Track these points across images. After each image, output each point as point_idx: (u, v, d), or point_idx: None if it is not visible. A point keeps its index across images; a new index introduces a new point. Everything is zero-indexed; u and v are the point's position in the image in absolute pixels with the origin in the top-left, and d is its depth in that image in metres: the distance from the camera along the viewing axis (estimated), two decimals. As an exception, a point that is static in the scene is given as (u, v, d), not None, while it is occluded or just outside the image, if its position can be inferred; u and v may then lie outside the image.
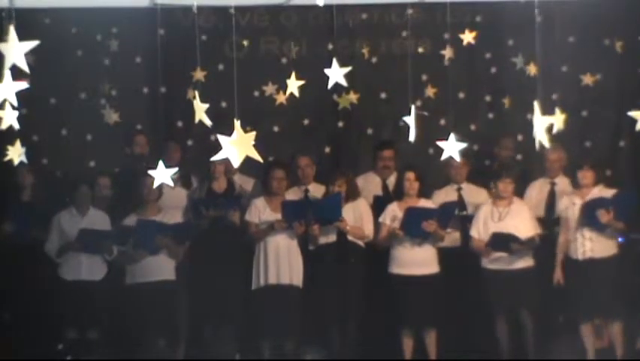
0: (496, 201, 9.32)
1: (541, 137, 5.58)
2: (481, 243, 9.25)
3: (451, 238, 9.46)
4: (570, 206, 9.16)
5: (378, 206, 9.55)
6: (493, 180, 9.38)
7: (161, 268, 9.22)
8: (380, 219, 9.39)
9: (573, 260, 9.11)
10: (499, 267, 9.18)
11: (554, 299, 9.31)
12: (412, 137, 7.20)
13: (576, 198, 9.15)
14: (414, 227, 9.16)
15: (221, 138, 5.21)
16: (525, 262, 9.18)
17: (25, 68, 4.63)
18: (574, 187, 9.28)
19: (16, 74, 5.34)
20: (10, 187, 9.59)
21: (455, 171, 9.64)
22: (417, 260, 9.23)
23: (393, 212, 9.34)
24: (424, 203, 9.36)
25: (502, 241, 9.11)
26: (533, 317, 9.25)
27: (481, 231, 9.27)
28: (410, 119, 7.22)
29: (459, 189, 9.71)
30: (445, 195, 9.67)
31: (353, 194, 9.46)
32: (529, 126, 6.08)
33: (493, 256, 9.17)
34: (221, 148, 5.44)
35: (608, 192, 9.12)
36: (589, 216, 9.02)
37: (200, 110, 6.37)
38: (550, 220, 9.48)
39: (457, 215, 9.52)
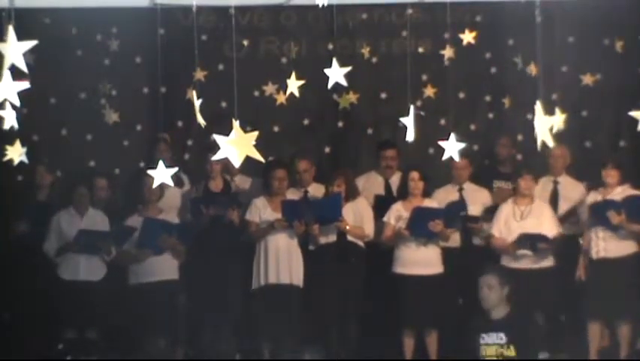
0: (517, 200, 9.29)
1: (544, 137, 5.58)
2: (502, 241, 9.23)
3: (452, 238, 9.46)
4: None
5: (380, 205, 9.55)
6: (513, 179, 9.39)
7: (165, 268, 9.22)
8: (384, 219, 9.39)
9: (588, 259, 9.14)
10: (520, 266, 9.14)
11: (566, 298, 9.31)
12: (409, 137, 7.18)
13: (599, 196, 9.16)
14: (420, 227, 9.15)
15: (218, 138, 5.20)
16: (546, 262, 9.17)
17: (24, 68, 4.63)
18: (592, 186, 9.28)
19: (17, 73, 5.34)
20: (26, 187, 9.64)
21: (458, 171, 9.64)
22: (421, 260, 9.23)
23: (398, 212, 9.34)
24: (428, 203, 9.37)
25: (530, 241, 9.11)
26: (547, 316, 9.24)
27: (502, 229, 9.25)
28: (408, 120, 7.21)
29: (460, 190, 9.71)
30: (446, 194, 9.67)
31: (352, 193, 9.46)
32: (529, 126, 6.08)
33: (518, 253, 9.15)
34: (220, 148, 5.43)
35: (631, 192, 9.10)
36: (599, 217, 9.04)
37: (198, 110, 6.38)
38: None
39: (459, 215, 9.52)
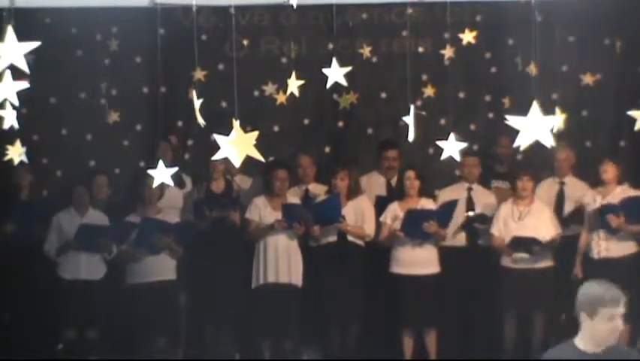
0: (516, 200, 9.30)
1: (543, 137, 5.57)
2: (501, 241, 9.24)
3: (457, 237, 9.47)
4: (592, 203, 9.18)
5: (382, 206, 9.55)
6: (509, 180, 9.39)
7: (162, 267, 9.22)
8: (381, 219, 9.39)
9: (589, 259, 9.15)
10: (519, 266, 9.17)
11: (567, 299, 9.29)
12: (410, 137, 7.19)
13: (598, 196, 9.16)
14: (414, 229, 9.16)
15: (218, 138, 5.20)
16: (545, 263, 9.18)
17: (25, 69, 4.62)
18: (591, 185, 9.27)
19: (16, 73, 5.34)
20: (10, 187, 9.61)
21: (468, 169, 9.63)
22: (418, 260, 9.23)
23: (394, 211, 9.34)
24: (424, 202, 9.36)
25: (523, 244, 9.13)
26: (545, 317, 9.23)
27: (501, 229, 9.27)
28: (409, 119, 7.21)
29: (469, 189, 9.70)
30: (454, 193, 9.65)
31: (355, 190, 9.45)
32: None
33: (515, 256, 9.17)
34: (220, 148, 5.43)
35: (630, 193, 9.11)
36: (599, 220, 9.04)
37: (198, 110, 6.39)
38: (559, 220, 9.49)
39: (466, 215, 9.51)
